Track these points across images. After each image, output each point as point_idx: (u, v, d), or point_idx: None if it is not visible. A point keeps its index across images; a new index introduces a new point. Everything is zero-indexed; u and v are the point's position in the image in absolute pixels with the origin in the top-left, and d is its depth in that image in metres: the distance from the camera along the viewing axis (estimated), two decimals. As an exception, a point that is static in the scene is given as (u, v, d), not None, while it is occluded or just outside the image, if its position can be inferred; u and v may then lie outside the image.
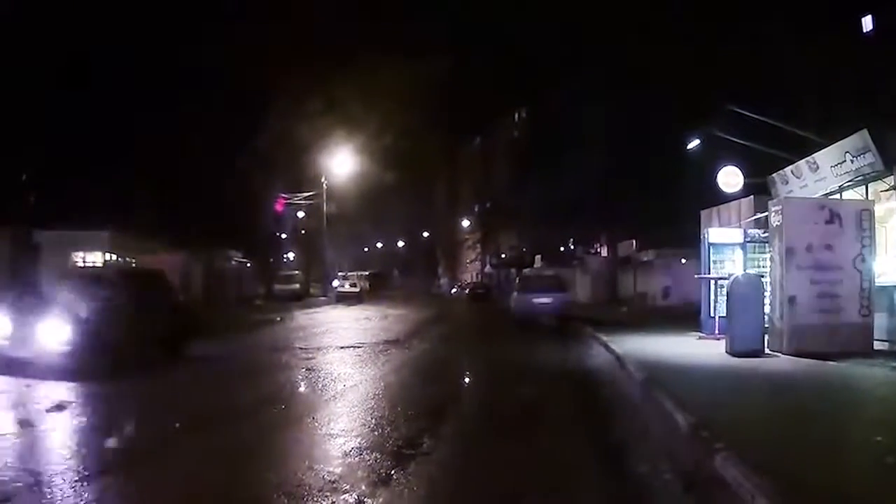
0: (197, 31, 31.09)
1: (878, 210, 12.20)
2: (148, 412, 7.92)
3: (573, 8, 34.05)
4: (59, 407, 7.80)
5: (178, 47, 29.87)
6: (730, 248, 14.83)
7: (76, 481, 5.04)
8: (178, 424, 7.10)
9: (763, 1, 21.88)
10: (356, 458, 5.78)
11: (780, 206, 11.93)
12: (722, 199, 18.04)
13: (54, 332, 10.13)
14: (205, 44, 30.38)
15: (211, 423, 7.33)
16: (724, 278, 13.28)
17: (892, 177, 12.43)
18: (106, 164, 29.61)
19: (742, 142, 17.26)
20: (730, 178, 17.63)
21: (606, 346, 13.80)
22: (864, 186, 13.21)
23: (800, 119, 17.17)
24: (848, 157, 13.13)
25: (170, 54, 29.69)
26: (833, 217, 11.58)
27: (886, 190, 12.73)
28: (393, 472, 5.36)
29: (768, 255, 12.83)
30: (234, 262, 43.37)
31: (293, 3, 37.86)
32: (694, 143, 19.37)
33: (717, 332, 13.79)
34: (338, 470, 5.44)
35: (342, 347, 15.20)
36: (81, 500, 4.69)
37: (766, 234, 13.34)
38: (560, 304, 21.53)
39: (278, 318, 26.13)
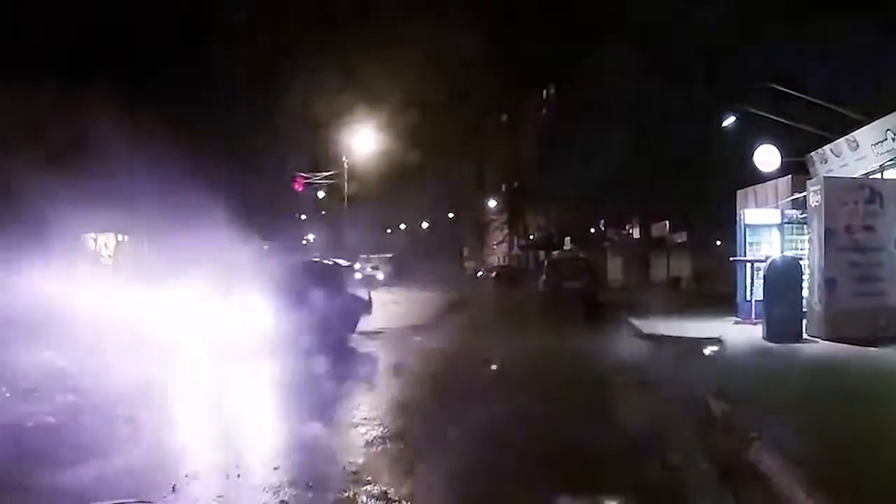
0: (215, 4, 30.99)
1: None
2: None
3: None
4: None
5: (194, 20, 29.76)
6: (767, 230, 14.41)
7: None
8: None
9: None
10: (380, 448, 5.67)
11: (819, 186, 11.59)
12: (758, 178, 17.48)
13: None
14: (223, 14, 30.22)
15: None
16: (761, 261, 12.94)
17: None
18: (114, 143, 29.73)
19: (780, 119, 16.76)
20: (767, 157, 17.05)
21: (639, 331, 13.54)
22: (906, 166, 12.78)
23: (840, 96, 16.60)
24: (889, 134, 12.67)
25: (186, 27, 29.61)
26: (874, 196, 11.29)
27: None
28: (417, 463, 5.26)
29: (807, 237, 12.51)
30: None
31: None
32: (729, 121, 18.85)
33: (753, 316, 13.42)
34: (360, 461, 5.33)
35: (363, 333, 14.52)
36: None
37: (804, 215, 12.96)
38: (590, 288, 21.22)
39: None
